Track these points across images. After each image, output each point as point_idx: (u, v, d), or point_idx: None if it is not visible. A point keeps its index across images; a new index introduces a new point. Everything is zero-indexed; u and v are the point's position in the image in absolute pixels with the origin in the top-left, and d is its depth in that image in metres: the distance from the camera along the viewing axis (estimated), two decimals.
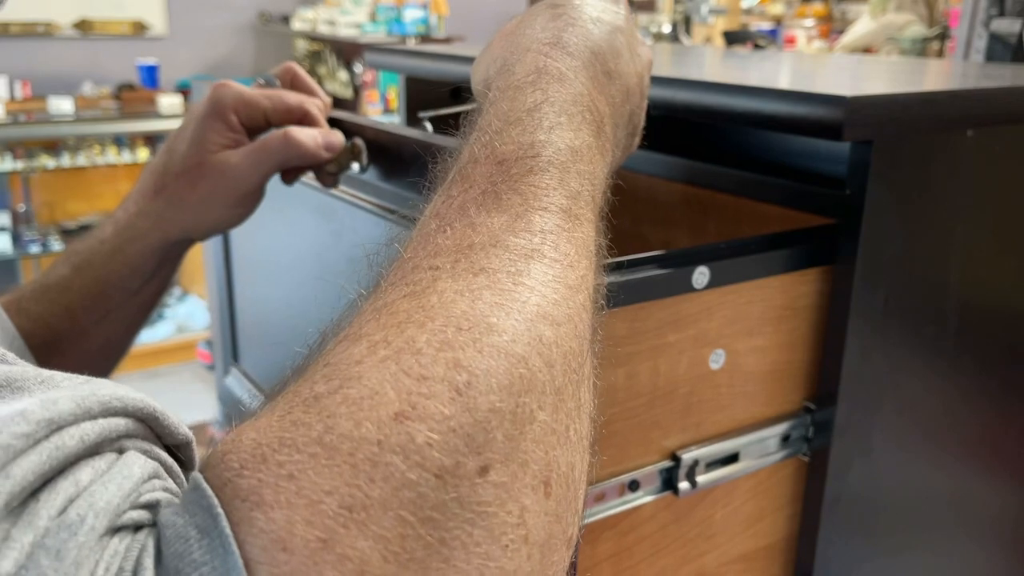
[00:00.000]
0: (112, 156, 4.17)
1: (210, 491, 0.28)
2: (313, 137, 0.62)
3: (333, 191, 0.71)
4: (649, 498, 0.60)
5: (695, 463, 0.61)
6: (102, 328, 0.68)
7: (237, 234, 0.90)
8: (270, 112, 0.65)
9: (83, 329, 0.67)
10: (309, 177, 0.68)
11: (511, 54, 0.48)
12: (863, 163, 0.59)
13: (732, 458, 0.63)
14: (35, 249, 4.08)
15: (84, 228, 4.22)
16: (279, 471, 0.28)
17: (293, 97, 0.65)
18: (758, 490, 0.66)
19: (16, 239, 4.08)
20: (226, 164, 0.63)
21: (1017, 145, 0.67)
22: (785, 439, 0.65)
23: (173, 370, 4.06)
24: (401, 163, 0.63)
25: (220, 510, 0.28)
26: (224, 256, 0.92)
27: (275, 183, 0.68)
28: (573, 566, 0.54)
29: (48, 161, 4.01)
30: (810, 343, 0.63)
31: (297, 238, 0.78)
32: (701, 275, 0.57)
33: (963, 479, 0.75)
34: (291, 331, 0.83)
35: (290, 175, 0.66)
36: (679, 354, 0.58)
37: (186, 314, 4.52)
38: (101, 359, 0.71)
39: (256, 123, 0.65)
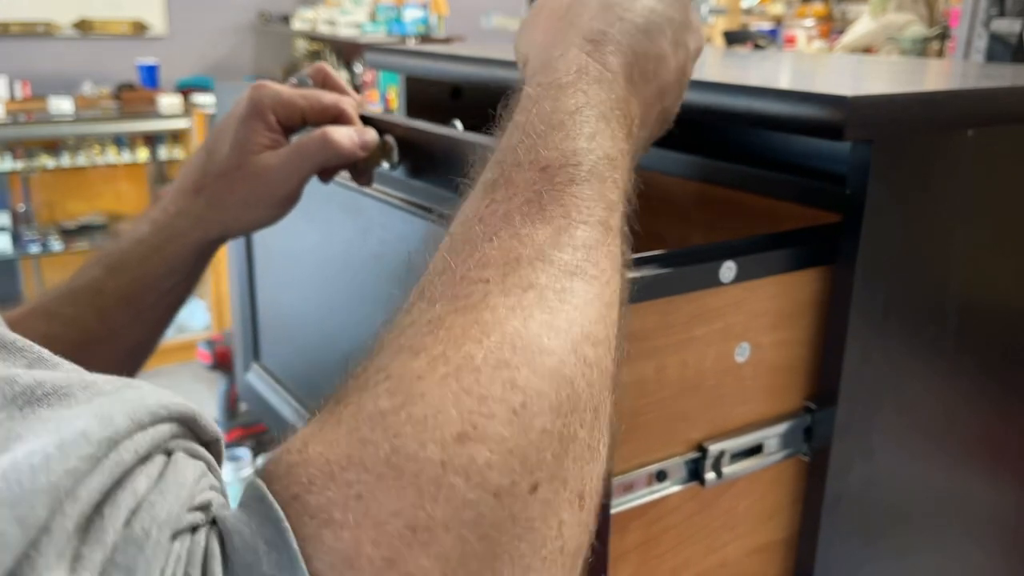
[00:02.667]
0: (112, 156, 4.18)
1: (277, 505, 0.29)
2: (350, 136, 0.63)
3: (359, 187, 0.72)
4: (676, 488, 0.61)
5: (721, 454, 0.62)
6: (134, 329, 0.69)
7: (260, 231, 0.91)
8: (307, 111, 0.66)
9: (115, 330, 0.67)
10: (342, 175, 0.69)
11: (554, 46, 0.48)
12: (863, 163, 0.59)
13: (756, 450, 0.64)
14: (35, 249, 4.08)
15: (84, 228, 4.23)
16: (348, 491, 0.29)
17: (328, 96, 0.66)
18: (779, 481, 0.67)
19: (16, 239, 4.09)
20: (266, 167, 0.63)
21: (1017, 145, 0.67)
22: (806, 432, 0.66)
23: (173, 370, 4.06)
24: (431, 160, 0.64)
25: (287, 525, 0.29)
26: (246, 252, 0.93)
27: None
28: (604, 556, 0.54)
29: (48, 161, 4.02)
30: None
31: (322, 235, 0.79)
32: (728, 270, 0.58)
33: (964, 479, 0.75)
34: (313, 327, 0.84)
35: (327, 173, 0.67)
36: (706, 347, 0.59)
37: (186, 314, 4.53)
38: (130, 359, 0.71)
39: (293, 123, 0.66)
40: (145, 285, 0.67)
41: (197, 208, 0.66)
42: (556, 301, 0.35)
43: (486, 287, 0.36)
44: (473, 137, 0.59)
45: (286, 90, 0.66)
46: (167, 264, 0.67)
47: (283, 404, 0.92)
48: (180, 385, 3.90)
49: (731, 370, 0.61)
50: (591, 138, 0.42)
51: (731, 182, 0.81)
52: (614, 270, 0.39)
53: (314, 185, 0.69)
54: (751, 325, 0.61)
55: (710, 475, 0.62)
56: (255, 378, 0.97)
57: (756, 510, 0.66)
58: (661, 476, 0.60)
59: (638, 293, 0.55)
